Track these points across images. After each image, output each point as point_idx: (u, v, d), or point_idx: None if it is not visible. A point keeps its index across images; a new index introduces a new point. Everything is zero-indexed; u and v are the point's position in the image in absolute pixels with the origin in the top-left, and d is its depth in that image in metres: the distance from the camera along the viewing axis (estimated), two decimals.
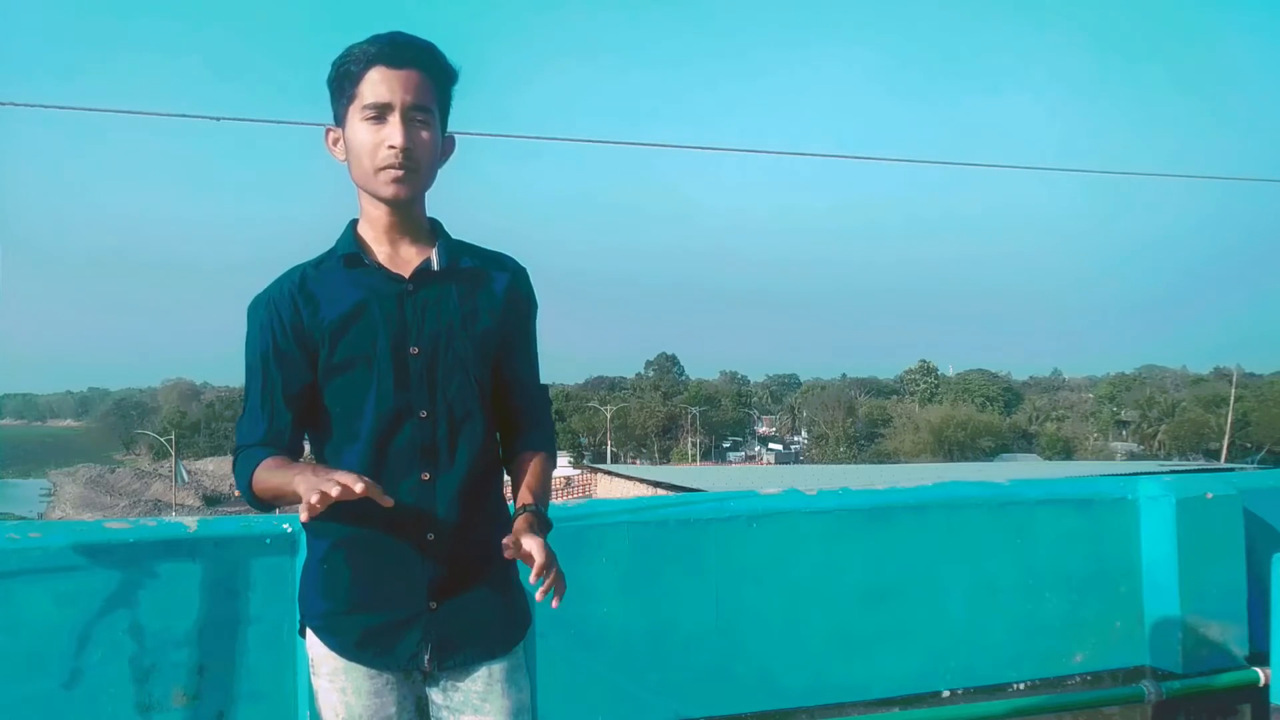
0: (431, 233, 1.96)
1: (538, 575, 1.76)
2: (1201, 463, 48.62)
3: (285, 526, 2.92)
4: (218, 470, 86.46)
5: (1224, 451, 60.18)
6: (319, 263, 1.92)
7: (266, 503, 1.86)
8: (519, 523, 1.84)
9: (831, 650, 3.47)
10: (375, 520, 1.82)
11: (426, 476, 1.86)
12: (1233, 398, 62.56)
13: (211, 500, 68.53)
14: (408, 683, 1.90)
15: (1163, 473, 9.03)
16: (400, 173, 1.84)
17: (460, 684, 1.90)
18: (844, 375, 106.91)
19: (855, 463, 65.99)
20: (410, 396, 1.86)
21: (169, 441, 68.75)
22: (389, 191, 1.86)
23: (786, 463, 71.64)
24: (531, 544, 1.77)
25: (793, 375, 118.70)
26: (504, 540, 1.77)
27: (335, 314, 1.86)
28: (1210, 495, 3.89)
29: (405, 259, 1.91)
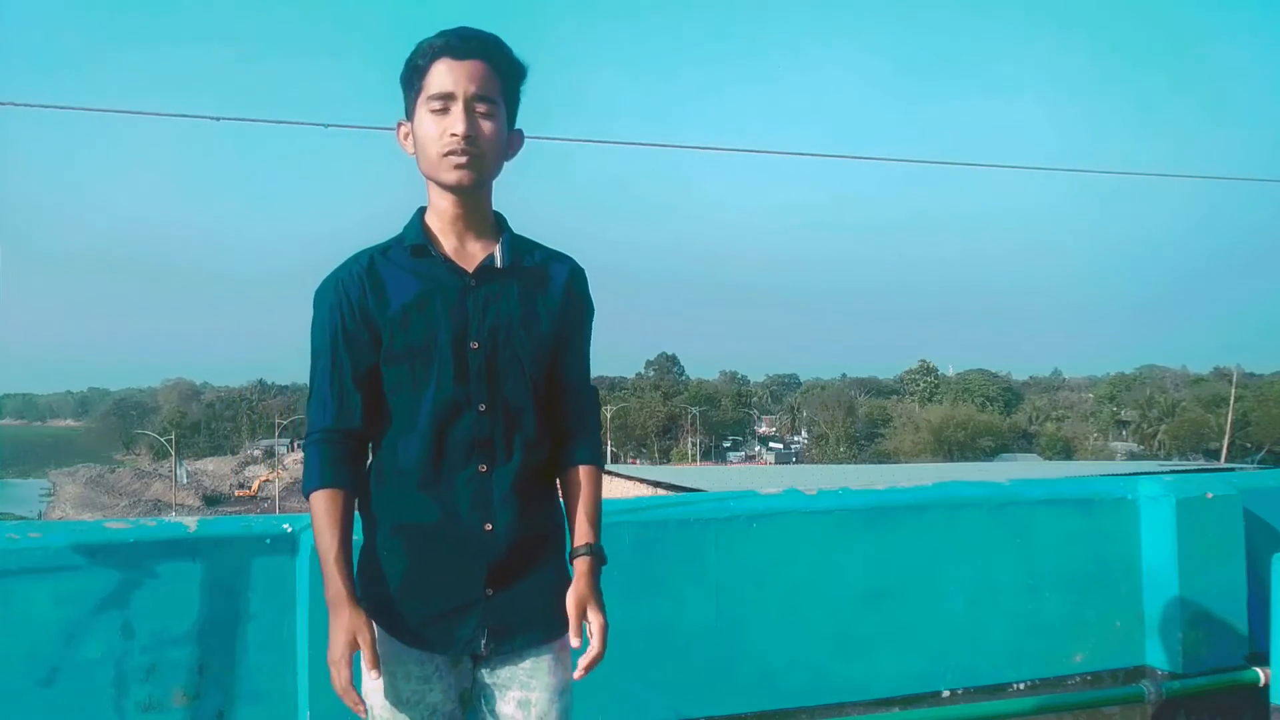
0: (496, 227, 1.99)
1: (586, 670, 1.91)
2: (1201, 463, 48.62)
3: (285, 526, 2.92)
4: (218, 470, 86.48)
5: (1224, 451, 60.19)
6: (386, 249, 1.96)
7: None
8: (580, 578, 1.95)
9: (832, 650, 3.47)
10: (435, 510, 1.89)
11: (484, 468, 1.90)
12: (1233, 397, 62.57)
13: (211, 500, 68.55)
14: (454, 673, 1.94)
15: (1163, 473, 9.01)
16: (463, 159, 1.87)
17: (509, 663, 1.95)
18: (844, 375, 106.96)
19: (855, 463, 66.00)
20: (469, 390, 1.90)
21: (169, 441, 68.77)
22: (452, 177, 1.89)
23: (786, 462, 71.62)
24: (595, 623, 1.92)
25: (793, 375, 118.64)
26: (569, 613, 1.92)
27: (399, 303, 1.90)
28: (1210, 495, 3.89)
29: (470, 253, 1.95)
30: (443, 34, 1.89)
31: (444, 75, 1.87)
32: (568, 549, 2.02)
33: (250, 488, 73.34)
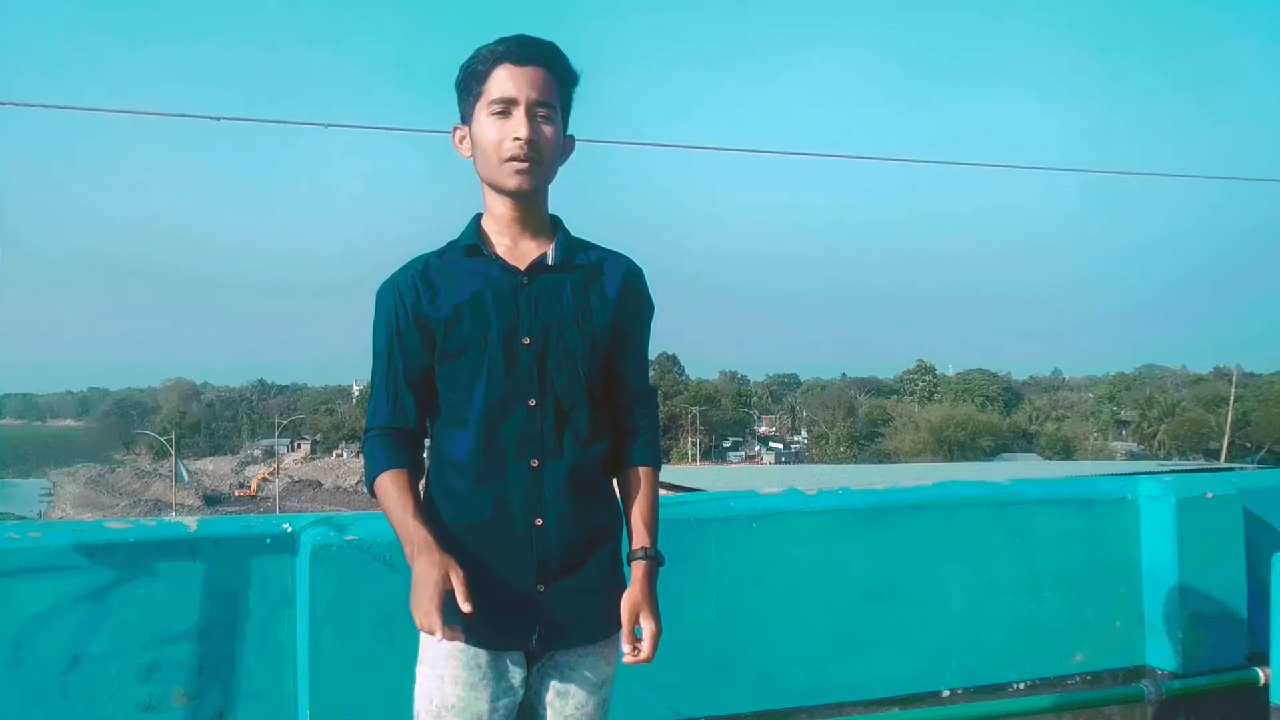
0: (552, 228, 2.01)
1: (631, 660, 1.94)
2: (1201, 462, 48.45)
3: (285, 526, 2.91)
4: (217, 470, 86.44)
5: (1224, 451, 60.03)
6: (442, 252, 2.00)
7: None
8: (635, 583, 1.96)
9: (831, 650, 3.47)
10: (487, 505, 1.91)
11: (535, 464, 1.92)
12: (1232, 397, 62.46)
13: (211, 500, 68.51)
14: (505, 680, 1.94)
15: (1163, 472, 9.01)
16: (525, 165, 1.91)
17: (556, 656, 1.98)
18: (844, 375, 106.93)
19: (855, 462, 65.87)
20: (519, 385, 1.92)
21: (169, 441, 68.74)
22: (514, 183, 1.92)
23: (787, 462, 71.56)
24: (646, 630, 1.93)
25: (793, 375, 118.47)
26: (623, 618, 1.94)
27: (451, 302, 1.94)
28: (1210, 495, 3.89)
29: (524, 252, 1.97)
30: (502, 40, 1.93)
31: (505, 81, 1.91)
32: (624, 548, 2.04)
33: (250, 487, 73.30)
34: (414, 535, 1.85)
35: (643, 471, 2.04)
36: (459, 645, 1.92)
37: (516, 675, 1.95)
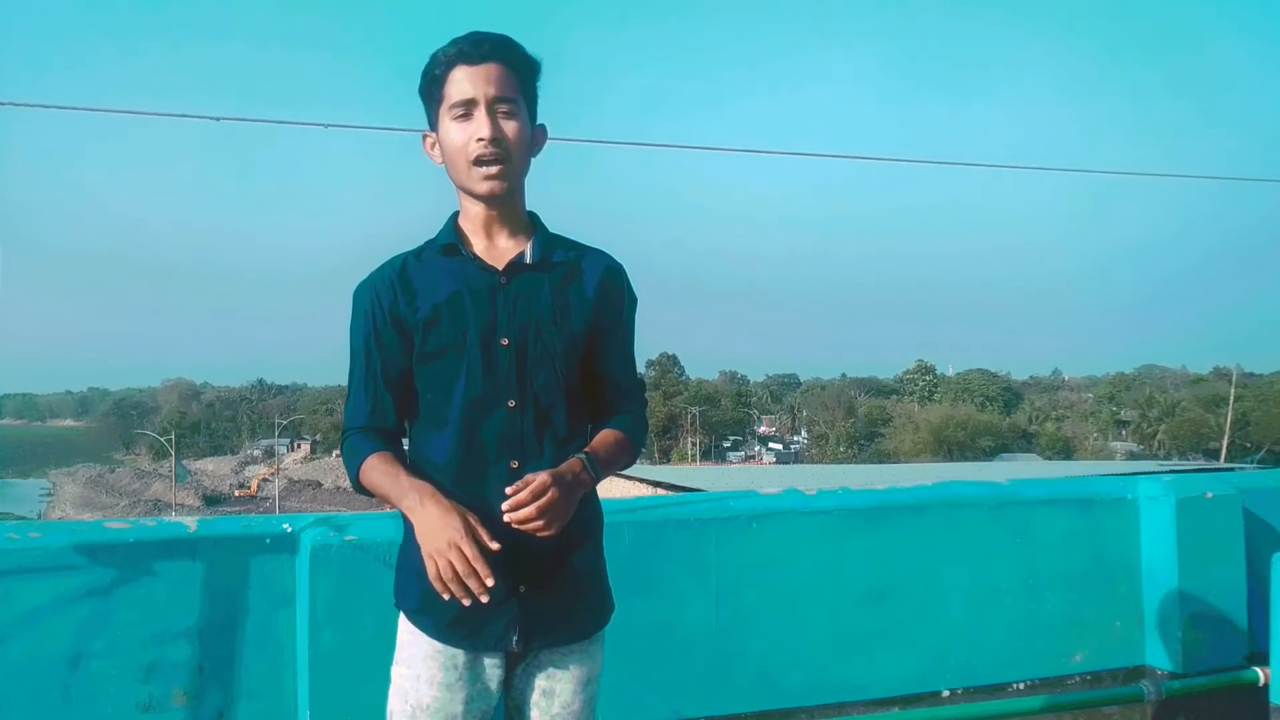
0: (530, 225, 2.00)
1: (513, 506, 1.77)
2: (1201, 462, 48.53)
3: (285, 526, 2.92)
4: (217, 470, 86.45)
5: (1224, 451, 60.11)
6: (419, 252, 1.98)
7: (372, 495, 1.94)
8: (562, 465, 1.86)
9: (831, 650, 3.47)
10: (467, 507, 1.86)
11: (515, 465, 1.91)
12: (1232, 397, 62.53)
13: (211, 500, 68.52)
14: (482, 681, 1.93)
15: (1162, 472, 9.01)
16: (494, 168, 1.89)
17: (538, 655, 1.96)
18: (844, 375, 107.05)
19: (855, 462, 65.93)
20: (498, 386, 1.91)
21: (169, 441, 68.64)
22: (485, 189, 1.91)
23: (787, 462, 71.57)
24: (538, 477, 1.78)
25: (793, 375, 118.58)
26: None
27: (429, 303, 1.92)
28: (1210, 495, 3.89)
29: (501, 251, 1.96)
30: (455, 41, 1.91)
31: (462, 82, 1.89)
32: (603, 547, 2.03)
33: (250, 487, 73.31)
34: (413, 486, 1.83)
35: (613, 431, 1.99)
36: (437, 646, 1.91)
37: (494, 677, 1.94)
